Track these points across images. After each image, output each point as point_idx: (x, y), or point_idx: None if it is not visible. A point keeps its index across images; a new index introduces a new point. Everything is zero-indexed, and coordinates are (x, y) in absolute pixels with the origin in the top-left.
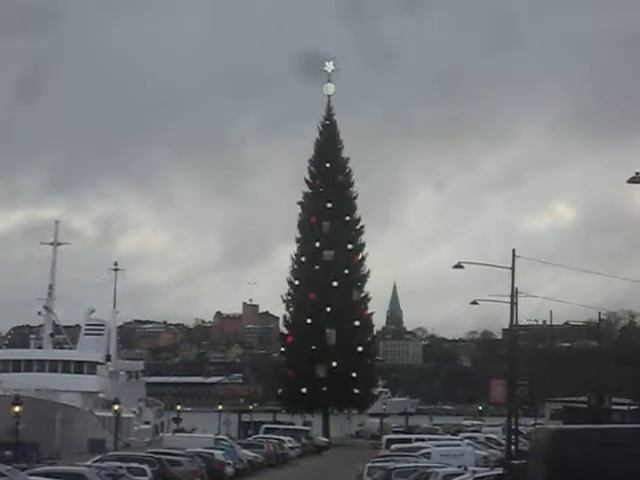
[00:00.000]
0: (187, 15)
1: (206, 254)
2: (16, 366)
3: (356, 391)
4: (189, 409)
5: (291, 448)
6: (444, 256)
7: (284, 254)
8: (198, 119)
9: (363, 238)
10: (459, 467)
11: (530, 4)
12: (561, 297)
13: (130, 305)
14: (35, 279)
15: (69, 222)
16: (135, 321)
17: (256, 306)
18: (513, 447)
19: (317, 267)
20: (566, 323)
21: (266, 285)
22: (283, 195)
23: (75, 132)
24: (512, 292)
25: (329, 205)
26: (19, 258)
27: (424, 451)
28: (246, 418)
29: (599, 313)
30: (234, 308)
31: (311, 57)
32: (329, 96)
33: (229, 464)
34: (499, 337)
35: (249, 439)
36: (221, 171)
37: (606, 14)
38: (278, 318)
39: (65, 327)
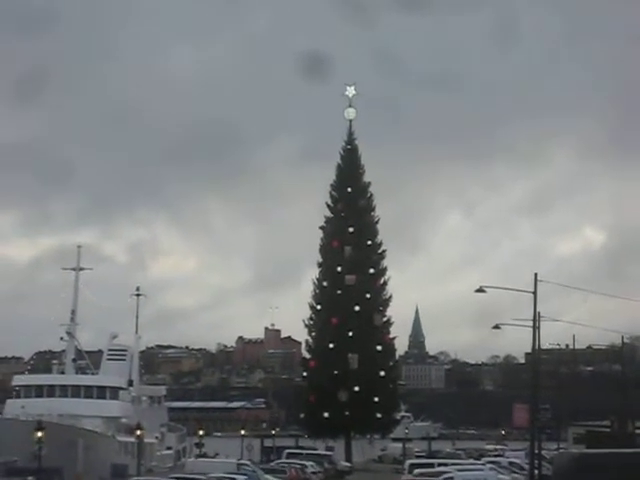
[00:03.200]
0: (218, 43)
1: (232, 279)
2: (39, 391)
3: (378, 416)
4: (219, 434)
5: (314, 473)
6: (469, 281)
7: (307, 279)
8: (228, 148)
9: (385, 262)
10: None
11: (565, 31)
12: (586, 321)
13: (156, 330)
14: (59, 305)
15: (101, 248)
16: (157, 346)
17: (278, 331)
18: (536, 471)
19: (339, 291)
20: (589, 347)
21: (289, 310)
22: (308, 220)
23: (108, 160)
24: (534, 316)
25: (351, 230)
26: (47, 284)
27: (447, 476)
28: (268, 443)
29: (622, 337)
30: (257, 333)
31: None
32: (350, 121)
33: None
34: (522, 361)
35: (272, 464)
36: (250, 198)
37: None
38: (300, 343)
39: (88, 352)
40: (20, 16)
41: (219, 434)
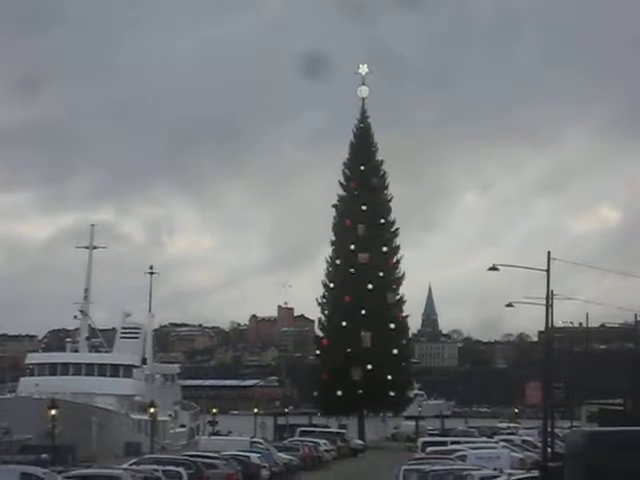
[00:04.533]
0: (234, 23)
1: (247, 258)
2: (52, 370)
3: (391, 394)
4: (236, 412)
5: (326, 451)
6: (483, 259)
7: (321, 258)
8: (244, 126)
9: (398, 241)
10: (495, 470)
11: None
12: (600, 300)
13: (171, 308)
14: (74, 283)
15: (117, 226)
16: (171, 324)
17: (292, 309)
18: (549, 450)
19: (352, 270)
20: (602, 325)
21: (302, 288)
22: (323, 199)
23: (125, 138)
24: (547, 294)
25: (364, 208)
26: (63, 262)
27: (460, 454)
28: (282, 421)
29: (635, 315)
30: (270, 311)
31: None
32: (363, 99)
33: (265, 467)
34: (535, 339)
35: (285, 442)
36: (265, 177)
37: None
38: (313, 321)
39: (101, 330)
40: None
41: (236, 412)
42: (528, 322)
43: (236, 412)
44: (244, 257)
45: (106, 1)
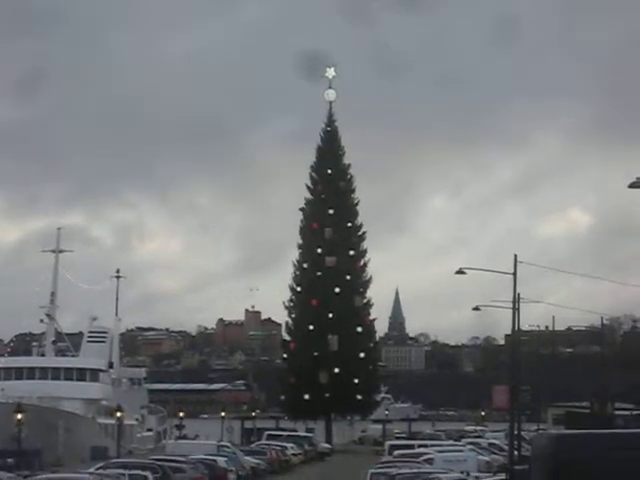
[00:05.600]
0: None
1: (216, 261)
2: (18, 374)
3: (359, 397)
4: (206, 416)
5: (294, 455)
6: (451, 263)
7: (288, 261)
8: (213, 129)
9: (365, 244)
10: (462, 473)
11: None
12: (567, 303)
13: (139, 312)
14: (40, 287)
15: (87, 231)
16: (137, 328)
17: (259, 313)
18: (516, 452)
19: (319, 273)
20: (569, 328)
21: (270, 292)
22: (292, 203)
23: (95, 141)
24: (514, 298)
25: (331, 211)
26: (30, 267)
27: (427, 457)
28: (249, 425)
29: (601, 318)
30: (238, 315)
31: (313, 63)
32: (330, 102)
33: (232, 471)
34: (502, 343)
35: (252, 446)
36: (236, 180)
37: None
38: (280, 324)
39: (68, 335)
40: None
41: (206, 416)
42: (495, 325)
43: (206, 416)
44: (213, 261)
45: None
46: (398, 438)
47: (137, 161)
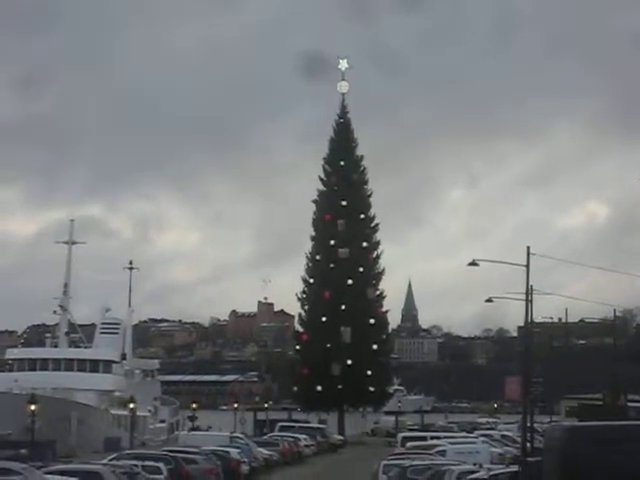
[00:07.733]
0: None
1: (231, 253)
2: (32, 365)
3: (371, 389)
4: (224, 407)
5: (306, 446)
6: (465, 255)
7: (302, 253)
8: (229, 122)
9: (378, 236)
10: (474, 465)
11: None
12: (580, 295)
13: (154, 304)
14: (55, 278)
15: (105, 222)
16: (150, 320)
17: (271, 304)
18: (528, 444)
19: (332, 265)
20: (581, 320)
21: (284, 284)
22: (306, 195)
23: (113, 133)
24: (527, 289)
25: (344, 203)
26: (46, 258)
27: (439, 449)
28: (261, 416)
29: (614, 310)
30: (252, 307)
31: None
32: (343, 94)
33: (244, 462)
34: (514, 335)
35: (264, 437)
36: (252, 172)
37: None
38: (293, 316)
39: (81, 326)
40: None
41: (225, 407)
42: (508, 317)
43: (225, 407)
44: (226, 253)
45: None
46: (410, 430)
47: (154, 154)
